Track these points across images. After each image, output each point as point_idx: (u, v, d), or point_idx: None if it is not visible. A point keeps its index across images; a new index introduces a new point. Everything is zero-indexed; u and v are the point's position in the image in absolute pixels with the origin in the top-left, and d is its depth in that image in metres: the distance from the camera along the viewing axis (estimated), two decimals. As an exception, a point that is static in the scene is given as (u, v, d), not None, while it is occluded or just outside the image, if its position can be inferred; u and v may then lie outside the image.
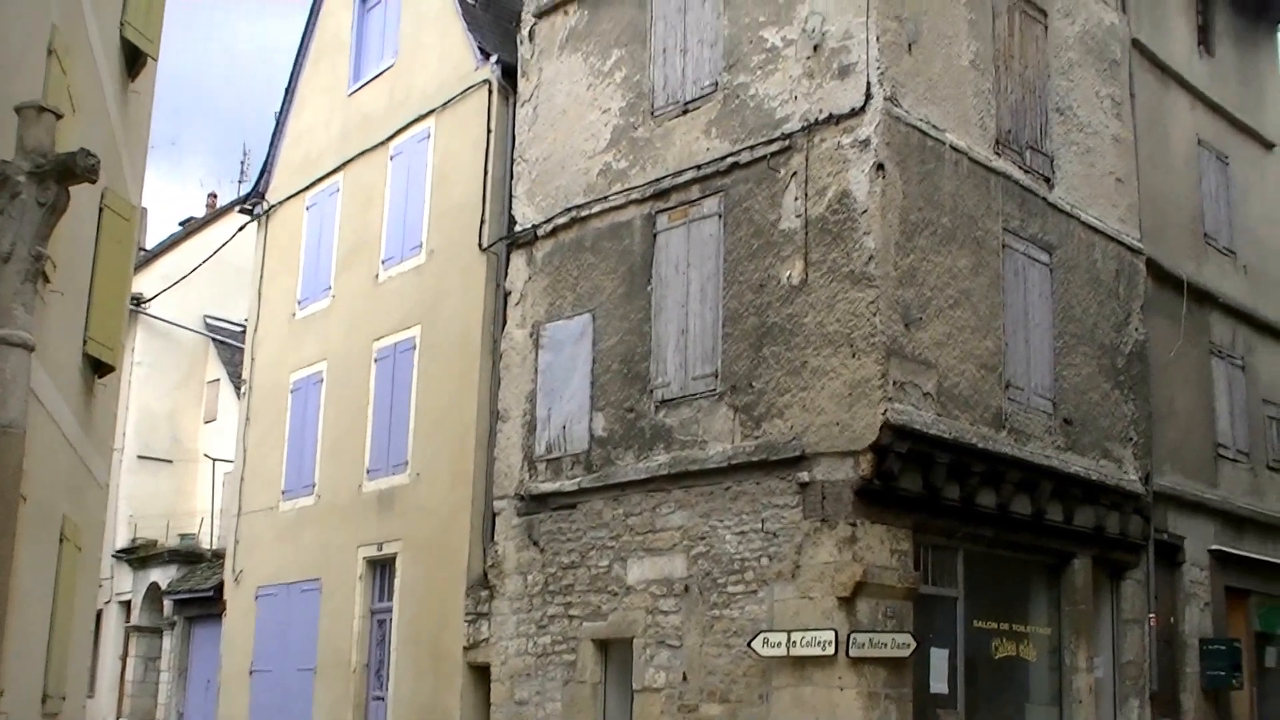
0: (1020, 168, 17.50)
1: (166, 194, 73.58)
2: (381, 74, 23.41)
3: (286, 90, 26.03)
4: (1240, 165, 23.28)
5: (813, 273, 15.39)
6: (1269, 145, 24.34)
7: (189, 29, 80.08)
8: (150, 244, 36.23)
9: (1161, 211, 20.66)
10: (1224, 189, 22.69)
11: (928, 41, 16.18)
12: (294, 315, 24.57)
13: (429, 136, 21.72)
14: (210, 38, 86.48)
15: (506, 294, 19.66)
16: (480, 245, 20.09)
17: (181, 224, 37.42)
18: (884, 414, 14.48)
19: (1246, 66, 24.16)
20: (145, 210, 33.74)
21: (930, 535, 15.69)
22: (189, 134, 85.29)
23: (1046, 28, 18.53)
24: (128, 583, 31.72)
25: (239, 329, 30.99)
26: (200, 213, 38.23)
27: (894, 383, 14.71)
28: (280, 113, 26.15)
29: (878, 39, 15.40)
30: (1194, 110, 22.19)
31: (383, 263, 22.34)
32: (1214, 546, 20.78)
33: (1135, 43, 20.51)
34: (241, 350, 27.90)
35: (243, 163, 38.86)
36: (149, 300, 32.08)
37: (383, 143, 22.84)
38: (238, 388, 28.48)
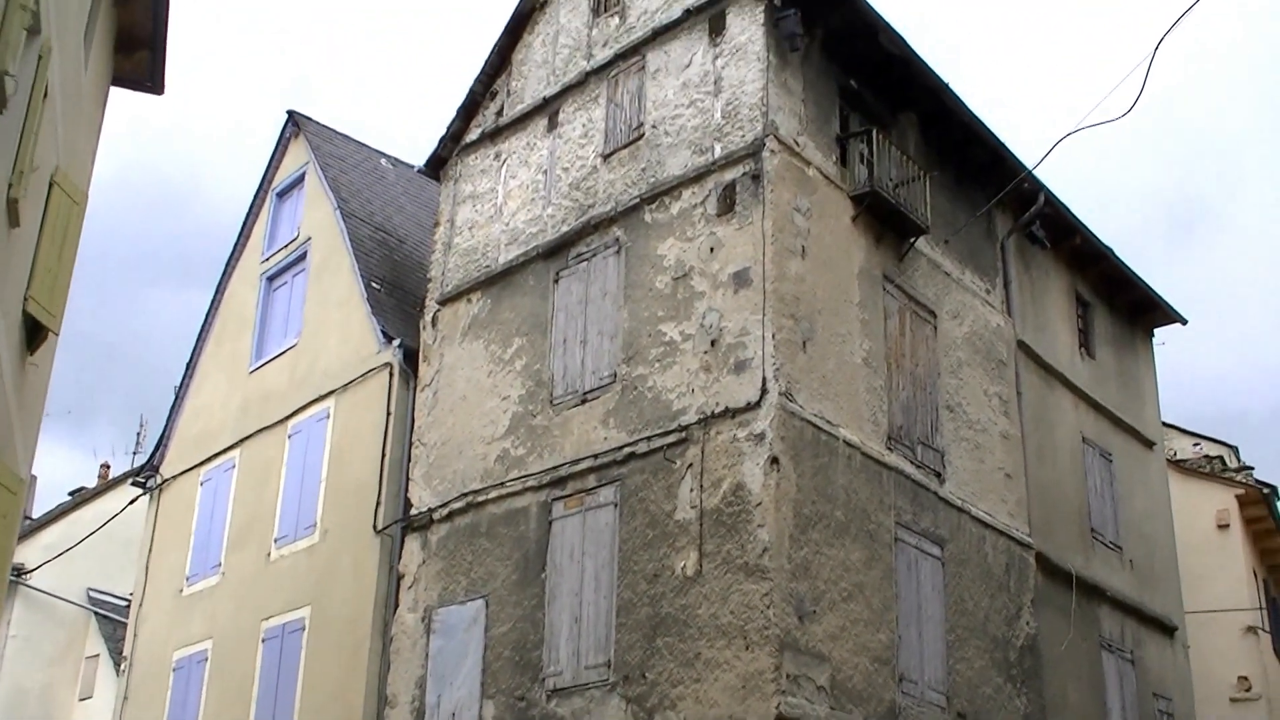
0: (912, 463, 17.86)
1: (59, 461, 72.45)
2: (284, 352, 23.59)
3: (188, 364, 26.12)
4: (1123, 462, 23.93)
5: (707, 564, 15.46)
6: (1149, 443, 25.10)
7: (97, 298, 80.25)
8: (37, 512, 35.44)
9: (1050, 507, 21.08)
10: (1109, 485, 23.25)
11: (822, 339, 16.69)
12: (181, 591, 24.05)
13: (328, 416, 21.79)
14: (117, 308, 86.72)
15: (399, 577, 19.48)
16: (375, 527, 19.98)
17: (71, 494, 36.71)
18: (777, 707, 14.36)
19: (1125, 368, 25.11)
20: (35, 478, 33.15)
21: (824, 834, 15.39)
22: (89, 402, 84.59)
23: (936, 328, 19.21)
24: None
25: (123, 603, 30.17)
26: (92, 482, 37.58)
27: (787, 676, 14.64)
28: (180, 386, 26.16)
29: (773, 336, 15.87)
30: (1078, 409, 22.90)
31: (275, 541, 22.08)
32: (1109, 845, 20.56)
33: (1020, 344, 21.29)
34: (124, 625, 27.14)
35: (139, 434, 38.37)
36: (30, 571, 31.20)
37: (282, 420, 22.87)
38: (118, 664, 27.58)
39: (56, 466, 69.36)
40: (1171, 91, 75.87)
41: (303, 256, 24.04)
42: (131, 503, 27.03)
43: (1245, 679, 28.23)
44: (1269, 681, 28.74)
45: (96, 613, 32.76)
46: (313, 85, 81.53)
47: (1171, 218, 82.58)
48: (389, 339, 21.11)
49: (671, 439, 16.38)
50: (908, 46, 18.76)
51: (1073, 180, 65.28)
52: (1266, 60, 77.49)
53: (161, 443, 26.26)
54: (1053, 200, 21.87)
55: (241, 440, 23.73)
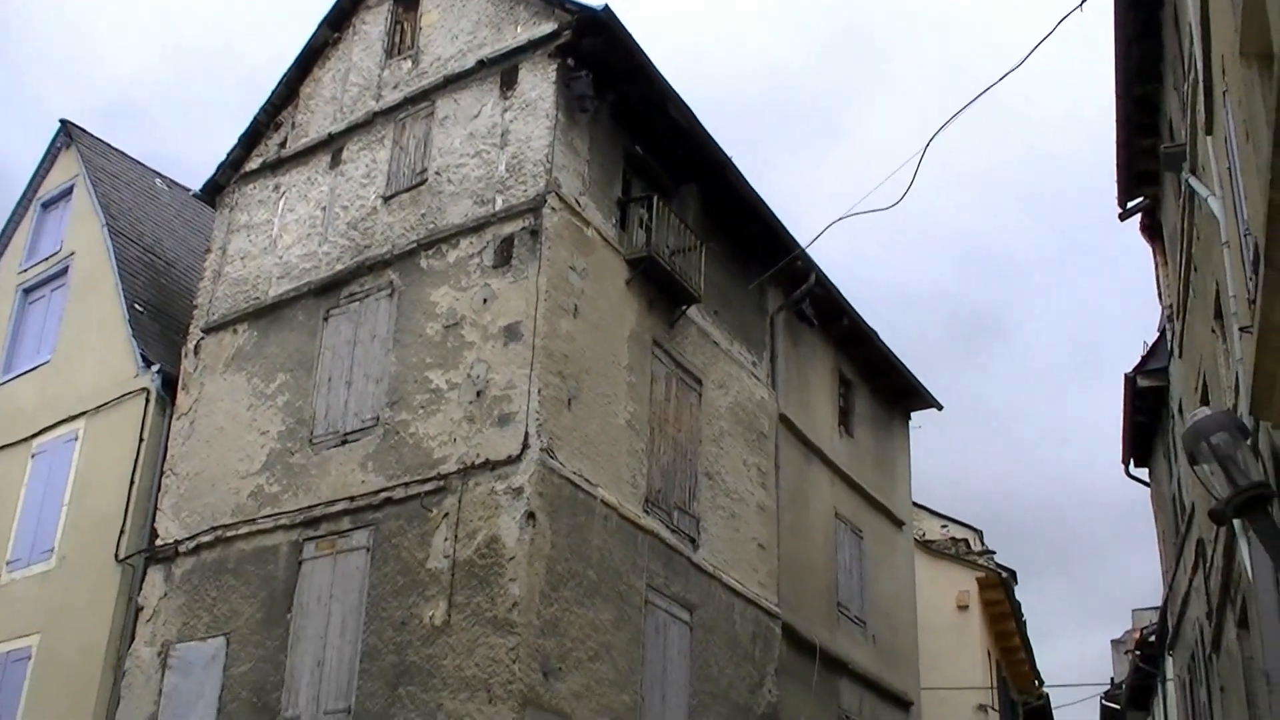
0: (668, 527, 18.05)
1: None
2: (35, 369, 22.67)
3: (-72, 375, 24.86)
4: (873, 541, 24.59)
5: (456, 615, 15.33)
6: (899, 523, 25.87)
7: None
8: None
9: (799, 579, 21.51)
10: (858, 562, 23.85)
11: (587, 399, 16.79)
12: (-103, 614, 22.75)
13: (77, 439, 20.99)
14: None
15: (138, 609, 18.81)
16: (117, 556, 19.27)
17: None
18: (514, 765, 14.28)
19: (881, 449, 25.85)
20: None
21: None
22: None
23: (701, 396, 19.50)
24: None
25: None
26: None
27: (527, 733, 14.58)
28: (-84, 398, 24.88)
29: (539, 392, 15.90)
30: (834, 486, 23.47)
31: (7, 564, 21.08)
32: None
33: (783, 418, 21.75)
34: None
35: None
36: None
37: (26, 439, 21.90)
38: None
39: None
40: (968, 210, 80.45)
41: (64, 271, 23.19)
42: None
43: (974, 756, 29.19)
44: (995, 760, 29.77)
45: None
46: (104, 99, 78.83)
47: (957, 323, 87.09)
48: (148, 364, 20.49)
49: (429, 487, 16.24)
50: (695, 119, 19.12)
51: (861, 277, 68.23)
52: (1050, 193, 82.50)
53: (-109, 455, 24.90)
54: (824, 280, 22.47)
55: (-20, 457, 22.67)
